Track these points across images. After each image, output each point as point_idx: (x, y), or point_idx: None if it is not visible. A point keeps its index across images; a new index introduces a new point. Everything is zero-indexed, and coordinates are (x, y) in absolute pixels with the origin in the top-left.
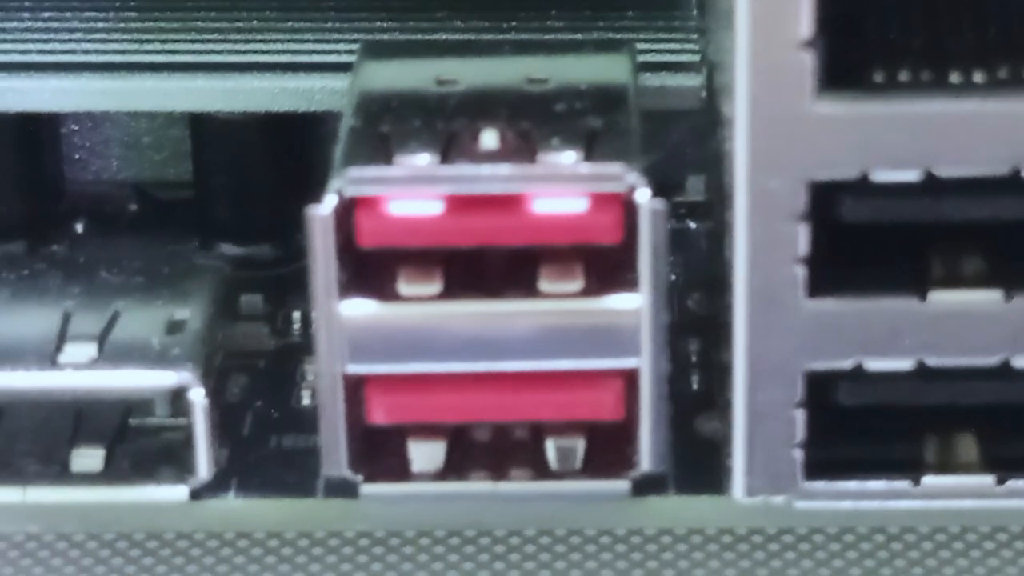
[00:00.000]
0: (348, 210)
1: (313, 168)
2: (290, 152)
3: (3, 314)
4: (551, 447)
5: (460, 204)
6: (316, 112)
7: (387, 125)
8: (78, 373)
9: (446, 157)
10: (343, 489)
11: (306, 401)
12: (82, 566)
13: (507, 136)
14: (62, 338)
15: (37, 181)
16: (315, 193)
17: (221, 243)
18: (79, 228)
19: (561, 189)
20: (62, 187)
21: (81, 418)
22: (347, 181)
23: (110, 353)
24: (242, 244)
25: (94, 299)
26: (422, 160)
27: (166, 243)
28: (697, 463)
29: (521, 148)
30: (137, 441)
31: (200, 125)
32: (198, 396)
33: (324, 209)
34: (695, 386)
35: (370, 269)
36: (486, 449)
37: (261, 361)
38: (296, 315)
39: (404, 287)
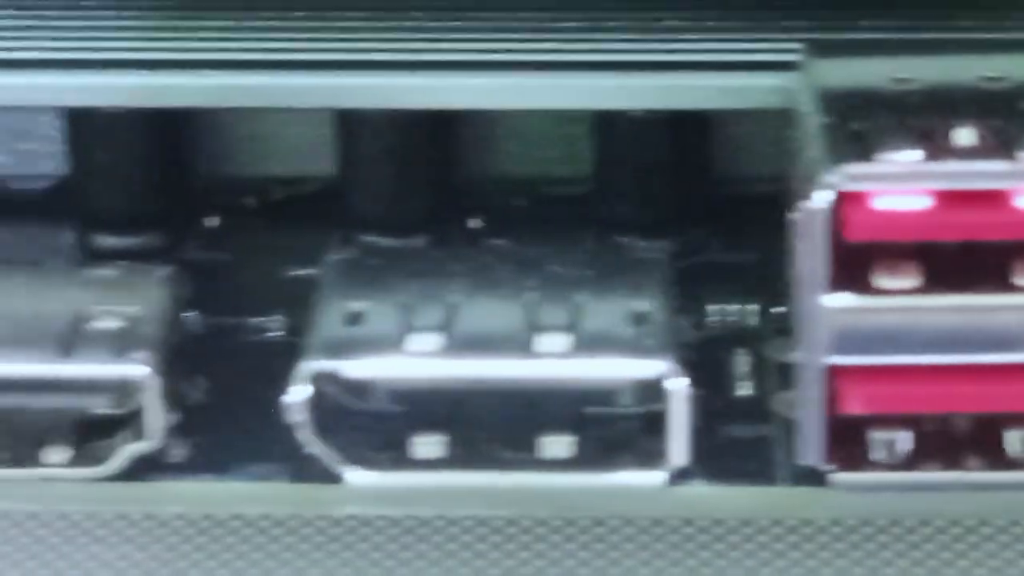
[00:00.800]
0: (833, 205)
1: (701, 165)
2: (680, 149)
3: (465, 305)
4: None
5: (947, 200)
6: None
7: (858, 122)
8: (557, 363)
9: (926, 154)
10: (807, 477)
11: (742, 391)
12: (553, 545)
13: (982, 133)
14: (534, 329)
15: (440, 177)
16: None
17: (617, 236)
18: (474, 223)
19: None
20: (455, 183)
21: (537, 406)
22: (841, 177)
23: (584, 343)
24: (640, 238)
25: (551, 291)
26: (908, 157)
27: (583, 236)
28: None
29: (997, 145)
30: (598, 428)
31: (603, 122)
32: (679, 385)
33: (818, 204)
34: None
35: (843, 262)
36: (940, 438)
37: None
38: (710, 308)
39: (884, 280)
